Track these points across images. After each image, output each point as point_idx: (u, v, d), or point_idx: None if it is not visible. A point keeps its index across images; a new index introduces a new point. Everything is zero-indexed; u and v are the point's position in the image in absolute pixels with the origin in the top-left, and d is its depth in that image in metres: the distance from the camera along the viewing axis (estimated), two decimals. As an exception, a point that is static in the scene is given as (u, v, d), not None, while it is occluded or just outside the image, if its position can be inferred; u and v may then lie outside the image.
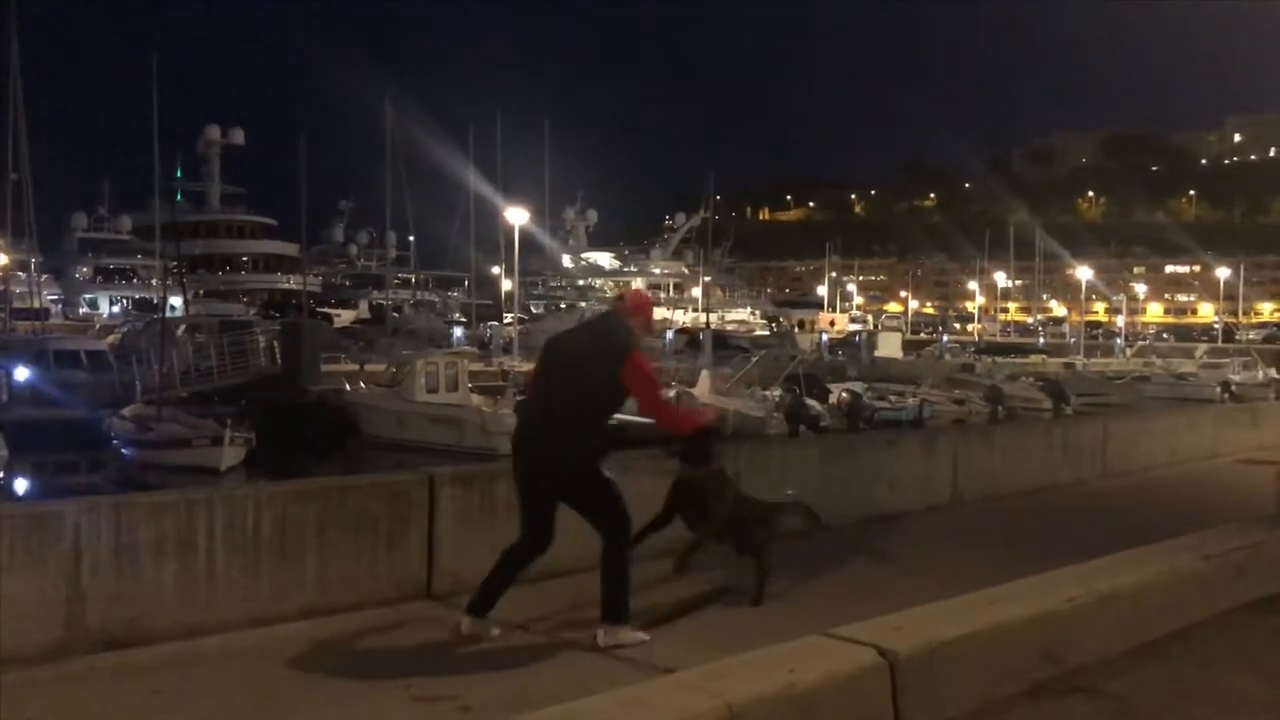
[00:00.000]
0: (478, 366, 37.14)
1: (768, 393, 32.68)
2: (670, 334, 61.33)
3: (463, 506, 6.45)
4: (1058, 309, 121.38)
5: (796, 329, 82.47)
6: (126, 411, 28.06)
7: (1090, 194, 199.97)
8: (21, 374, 30.95)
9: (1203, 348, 69.53)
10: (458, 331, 57.77)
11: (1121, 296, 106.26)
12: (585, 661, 5.21)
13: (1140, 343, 79.25)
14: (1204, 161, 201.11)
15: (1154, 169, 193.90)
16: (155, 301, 61.53)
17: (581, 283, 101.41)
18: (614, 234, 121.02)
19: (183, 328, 40.79)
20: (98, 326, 55.71)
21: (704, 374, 34.05)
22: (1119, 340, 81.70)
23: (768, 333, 76.93)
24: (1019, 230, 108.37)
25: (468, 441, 27.26)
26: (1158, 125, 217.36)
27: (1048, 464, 11.45)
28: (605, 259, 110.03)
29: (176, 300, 49.18)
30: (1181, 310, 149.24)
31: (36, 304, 53.45)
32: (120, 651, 5.12)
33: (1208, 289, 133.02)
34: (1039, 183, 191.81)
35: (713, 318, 71.44)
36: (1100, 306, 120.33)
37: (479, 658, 5.25)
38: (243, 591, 5.61)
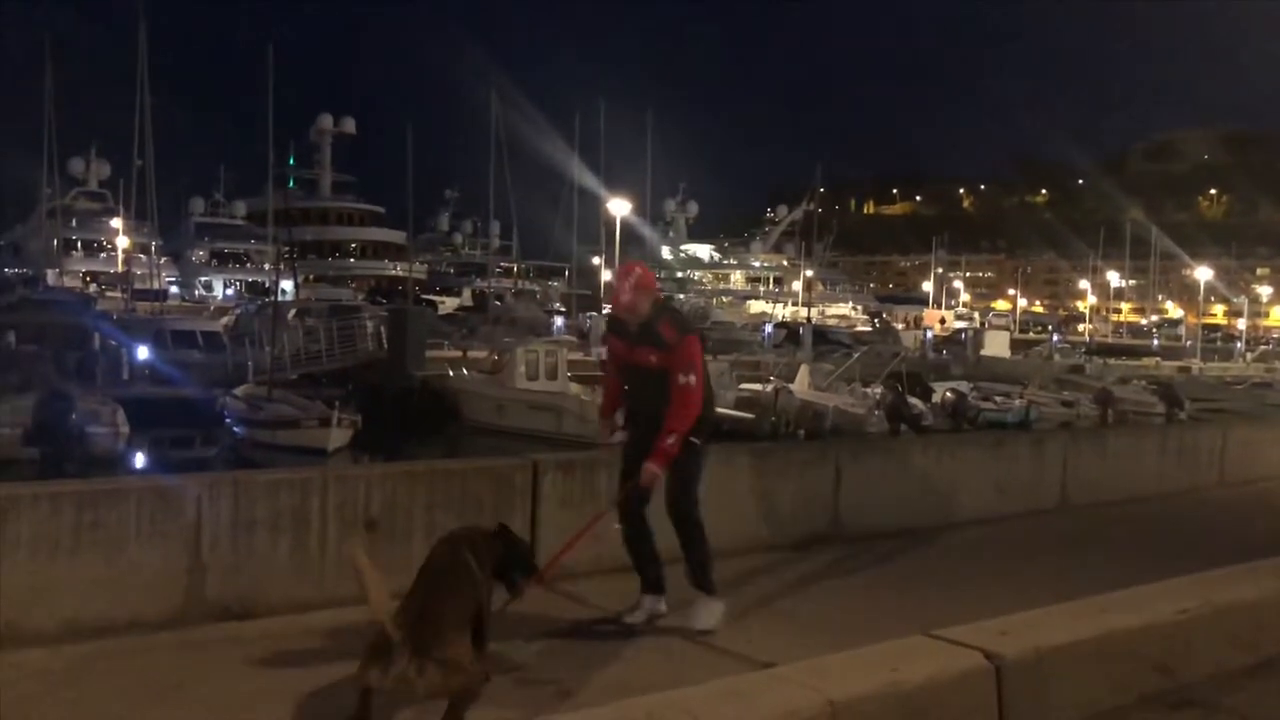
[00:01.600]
0: (576, 355, 37.43)
1: (868, 389, 32.26)
2: (769, 328, 60.86)
3: (564, 493, 6.53)
4: (1173, 311, 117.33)
5: (908, 325, 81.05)
6: (239, 391, 28.96)
7: (1212, 192, 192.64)
8: (141, 353, 32.13)
9: (1330, 354, 66.46)
10: (558, 320, 58.32)
11: (1242, 299, 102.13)
12: (685, 652, 5.23)
13: (1262, 347, 76.15)
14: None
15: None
16: (267, 285, 63.57)
17: (680, 274, 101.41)
18: (714, 226, 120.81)
19: (293, 311, 41.94)
20: (212, 308, 57.66)
21: (803, 369, 33.78)
22: (1238, 344, 78.61)
23: (870, 329, 75.86)
24: (1134, 229, 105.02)
25: (566, 429, 27.51)
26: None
27: (1161, 471, 11.08)
28: (705, 251, 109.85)
29: (288, 284, 50.68)
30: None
31: (155, 285, 55.58)
32: (236, 622, 5.31)
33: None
34: (1157, 180, 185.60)
35: (813, 312, 70.82)
36: (1219, 309, 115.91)
37: (580, 643, 5.30)
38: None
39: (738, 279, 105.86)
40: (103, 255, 77.13)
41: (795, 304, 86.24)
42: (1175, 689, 4.95)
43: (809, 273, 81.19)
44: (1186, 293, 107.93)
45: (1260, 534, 8.49)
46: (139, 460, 24.55)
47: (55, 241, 70.95)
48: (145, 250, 61.33)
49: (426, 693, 3.98)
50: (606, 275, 65.30)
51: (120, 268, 63.12)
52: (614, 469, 6.84)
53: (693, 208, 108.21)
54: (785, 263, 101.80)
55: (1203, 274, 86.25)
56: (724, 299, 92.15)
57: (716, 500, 7.17)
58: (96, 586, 5.07)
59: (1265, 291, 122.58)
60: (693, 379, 5.40)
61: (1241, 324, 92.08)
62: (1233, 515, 10.02)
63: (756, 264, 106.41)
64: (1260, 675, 5.26)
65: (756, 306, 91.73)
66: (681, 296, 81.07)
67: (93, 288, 66.19)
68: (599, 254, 70.54)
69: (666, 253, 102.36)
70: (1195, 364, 60.35)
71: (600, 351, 42.19)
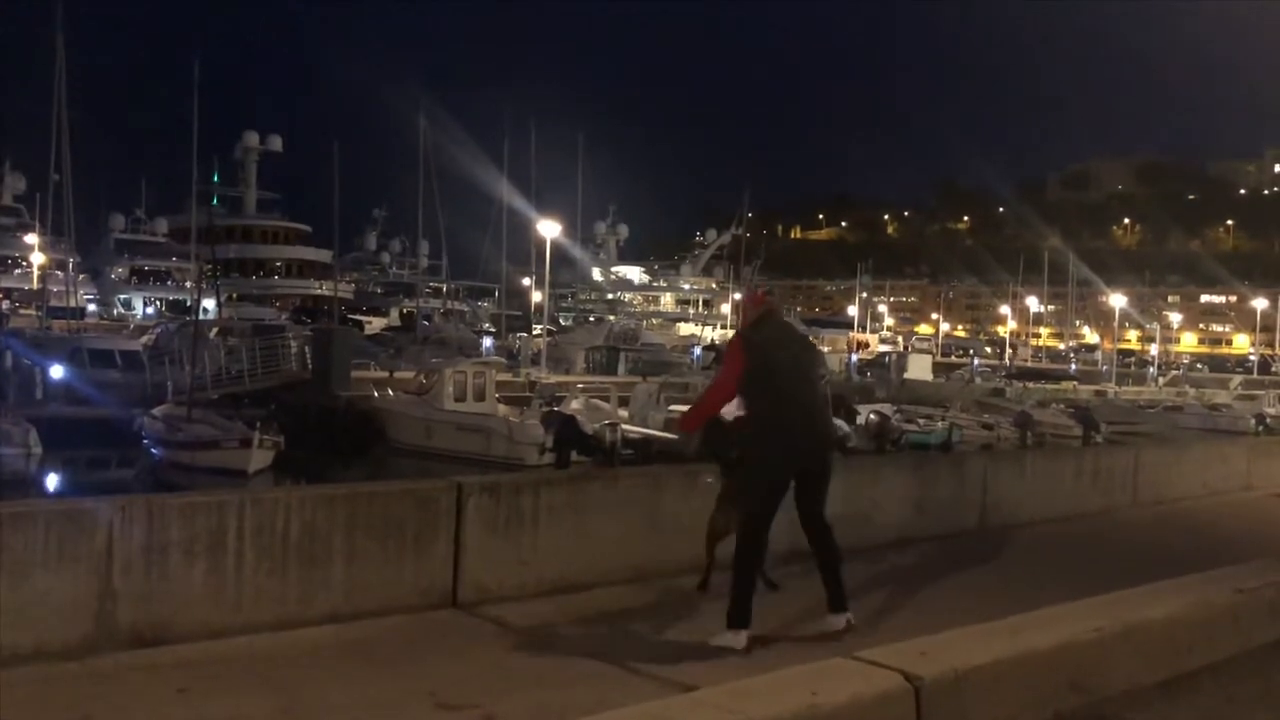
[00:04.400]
0: (505, 377, 37.27)
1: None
2: (698, 350, 61.23)
3: (489, 516, 6.46)
4: (1090, 336, 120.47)
5: (851, 348, 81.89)
6: (157, 412, 28.34)
7: (1125, 221, 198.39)
8: (56, 372, 31.33)
9: (1237, 379, 68.85)
10: (487, 341, 58.04)
11: (1155, 325, 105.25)
12: (608, 676, 5.20)
13: (1174, 372, 78.48)
14: (1242, 191, 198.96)
15: (1190, 197, 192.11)
16: (189, 304, 62.27)
17: (611, 296, 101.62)
18: (645, 249, 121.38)
19: (215, 330, 41.21)
20: (132, 327, 56.38)
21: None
22: (1152, 369, 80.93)
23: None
24: (1052, 255, 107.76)
25: (494, 451, 27.37)
26: (1195, 154, 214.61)
27: (1078, 492, 11.34)
28: (635, 273, 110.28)
29: (210, 303, 49.69)
30: (1216, 340, 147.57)
31: (72, 303, 54.14)
32: (148, 649, 5.16)
33: (1244, 320, 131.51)
34: (1073, 208, 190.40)
35: (741, 335, 71.24)
36: (1133, 334, 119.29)
37: (503, 668, 5.25)
38: (270, 594, 5.64)
39: (667, 301, 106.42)
40: (17, 272, 75.02)
41: (724, 326, 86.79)
42: (1089, 705, 5.05)
43: (737, 296, 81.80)
44: (1102, 318, 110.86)
45: (1170, 553, 8.72)
46: (51, 482, 23.88)
47: (-34, 258, 68.99)
48: (62, 267, 59.70)
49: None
50: (537, 296, 65.14)
51: (35, 285, 61.36)
52: (540, 493, 6.85)
53: (623, 230, 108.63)
54: (714, 285, 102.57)
55: (1117, 300, 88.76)
56: (654, 321, 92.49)
57: (622, 529, 7.17)
58: (0, 613, 4.89)
59: (1176, 318, 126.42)
60: (722, 371, 6.35)
61: (1154, 349, 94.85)
62: (1145, 535, 10.28)
63: (686, 287, 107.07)
64: (1170, 691, 5.40)
65: (686, 329, 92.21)
66: (611, 318, 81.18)
67: (6, 305, 64.29)
68: (529, 275, 70.38)
69: (597, 274, 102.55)
70: (1111, 388, 62.01)
71: (531, 371, 42.25)
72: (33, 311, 53.62)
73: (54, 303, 51.80)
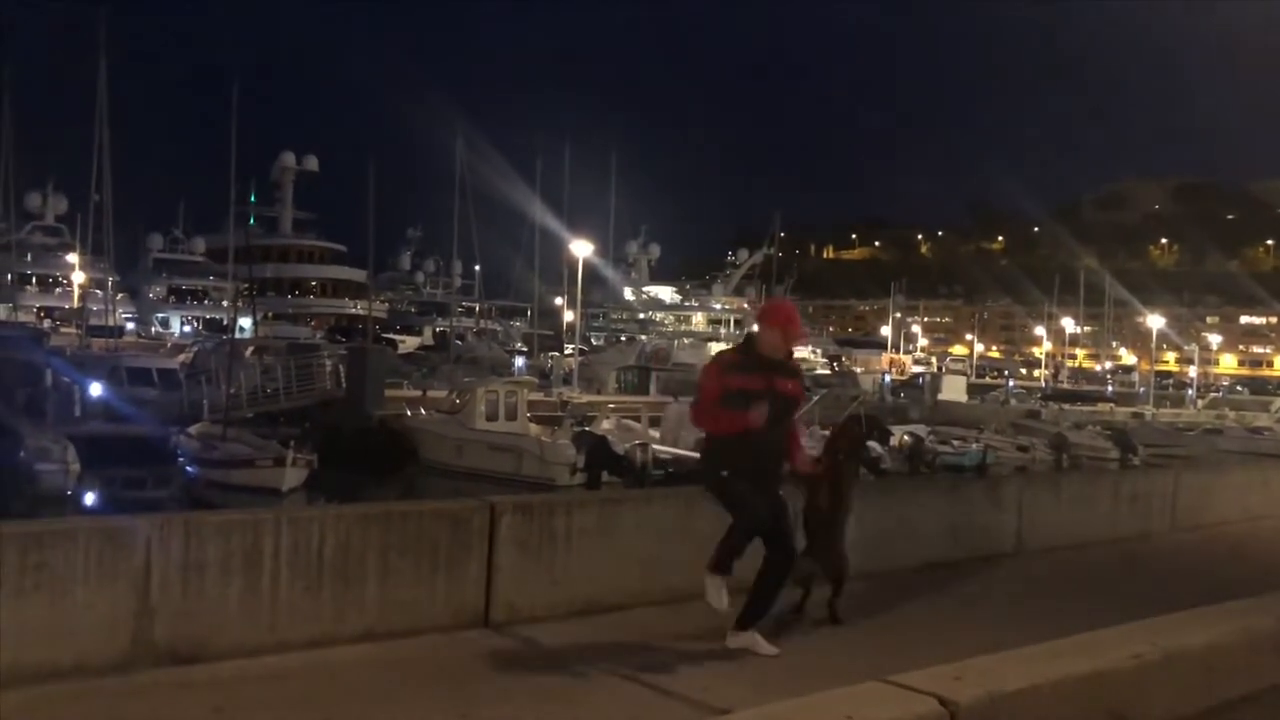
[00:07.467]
0: (537, 396, 37.33)
1: (826, 433, 32.38)
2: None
3: (522, 536, 6.47)
4: (1127, 357, 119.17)
5: (898, 369, 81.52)
6: (193, 430, 28.59)
7: (1162, 241, 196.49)
8: (95, 390, 31.66)
9: (1279, 401, 67.68)
10: (519, 360, 58.26)
11: (1194, 346, 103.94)
12: (640, 698, 5.18)
13: (1213, 394, 77.45)
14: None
15: (1229, 217, 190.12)
16: (225, 322, 62.98)
17: (642, 316, 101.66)
18: (676, 268, 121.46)
19: (251, 349, 41.56)
20: (169, 345, 56.98)
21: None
22: (1190, 391, 79.93)
23: (829, 372, 76.30)
24: (1088, 276, 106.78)
25: (526, 470, 27.40)
26: (1232, 174, 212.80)
27: (1115, 516, 11.19)
28: (667, 293, 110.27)
29: (246, 322, 50.24)
30: (1257, 362, 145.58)
31: (111, 322, 54.85)
32: (184, 667, 5.20)
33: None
34: (1109, 229, 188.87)
35: (773, 355, 71.11)
36: (1171, 356, 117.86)
37: (535, 689, 5.25)
38: (305, 612, 5.67)
39: (699, 321, 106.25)
40: (58, 290, 76.17)
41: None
42: (1128, 734, 4.97)
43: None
44: (1139, 339, 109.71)
45: (1210, 580, 8.58)
46: (89, 499, 24.12)
47: (10, 276, 70.12)
48: (101, 286, 60.58)
49: None
50: (569, 316, 65.32)
51: (75, 303, 62.32)
52: (573, 513, 6.85)
53: (655, 250, 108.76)
54: (746, 305, 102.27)
55: (1155, 321, 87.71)
56: (685, 341, 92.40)
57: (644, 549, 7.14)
58: (40, 630, 4.95)
59: (1215, 339, 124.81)
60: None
61: (1193, 371, 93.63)
62: (1184, 560, 10.14)
63: (717, 306, 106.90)
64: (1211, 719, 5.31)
65: (717, 348, 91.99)
66: (643, 337, 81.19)
67: (47, 323, 65.27)
68: (561, 294, 70.60)
69: (629, 294, 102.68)
70: (1148, 410, 61.25)
71: (562, 391, 42.29)
72: (73, 330, 54.33)
73: (93, 321, 52.54)
